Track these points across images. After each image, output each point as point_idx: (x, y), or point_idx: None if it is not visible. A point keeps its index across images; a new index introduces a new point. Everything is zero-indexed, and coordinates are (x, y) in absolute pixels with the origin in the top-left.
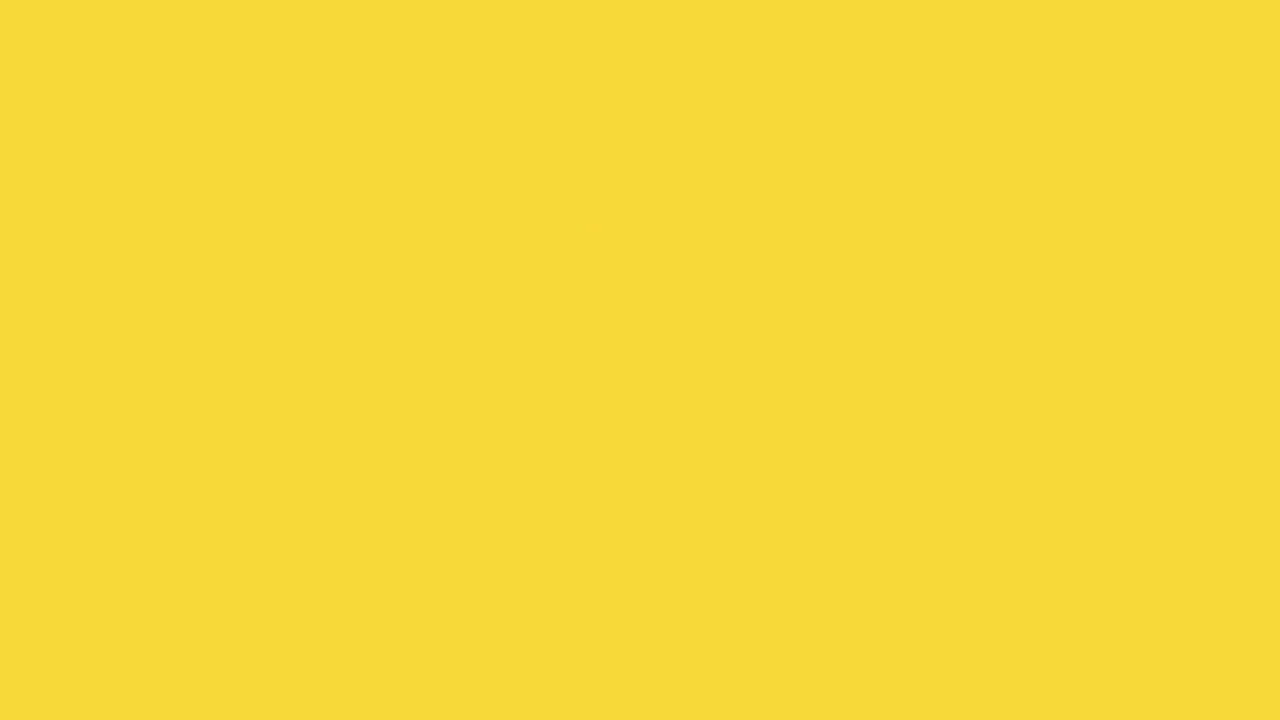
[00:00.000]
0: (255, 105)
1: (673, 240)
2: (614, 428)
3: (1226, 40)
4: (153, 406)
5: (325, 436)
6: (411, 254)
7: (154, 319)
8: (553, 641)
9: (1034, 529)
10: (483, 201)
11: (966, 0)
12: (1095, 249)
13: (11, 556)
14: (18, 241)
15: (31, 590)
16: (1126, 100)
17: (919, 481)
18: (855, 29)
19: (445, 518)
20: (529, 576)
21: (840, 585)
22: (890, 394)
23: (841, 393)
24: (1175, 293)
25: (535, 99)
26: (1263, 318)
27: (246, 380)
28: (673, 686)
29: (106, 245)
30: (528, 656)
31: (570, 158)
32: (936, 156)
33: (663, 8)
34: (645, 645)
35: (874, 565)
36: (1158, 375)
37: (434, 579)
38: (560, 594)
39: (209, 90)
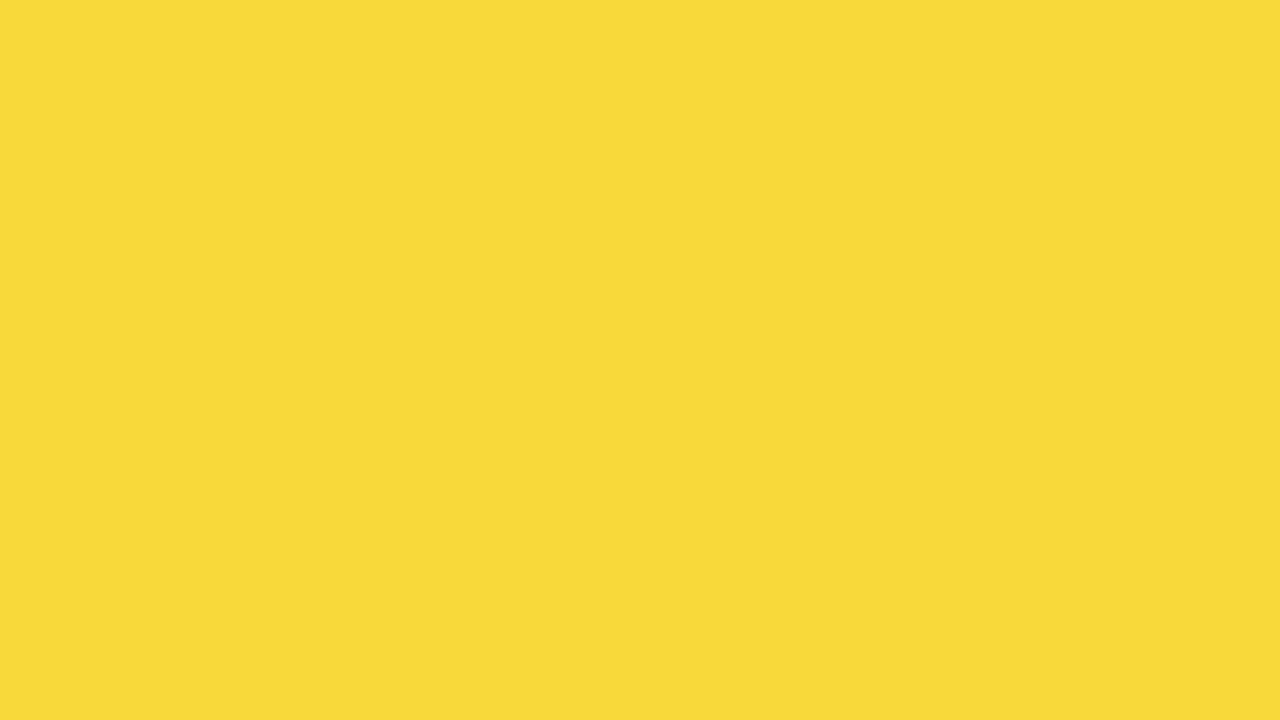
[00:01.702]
0: (255, 105)
1: (673, 240)
2: (613, 427)
3: (1227, 40)
4: (152, 406)
5: (324, 436)
6: (411, 254)
7: (154, 319)
8: (552, 641)
9: (1033, 528)
10: (483, 201)
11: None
12: (1094, 249)
13: (11, 556)
14: (18, 241)
15: (31, 590)
16: (1127, 100)
17: (918, 480)
18: (856, 29)
19: (445, 516)
20: (528, 575)
21: (839, 584)
22: (889, 393)
23: (841, 392)
24: (1174, 292)
25: (535, 99)
26: (1262, 317)
27: (246, 379)
28: (673, 686)
29: (107, 245)
30: (527, 656)
31: (570, 158)
32: (937, 156)
33: (663, 8)
34: (645, 644)
35: (873, 564)
36: (1157, 374)
37: (433, 578)
38: (560, 593)
39: (209, 90)
